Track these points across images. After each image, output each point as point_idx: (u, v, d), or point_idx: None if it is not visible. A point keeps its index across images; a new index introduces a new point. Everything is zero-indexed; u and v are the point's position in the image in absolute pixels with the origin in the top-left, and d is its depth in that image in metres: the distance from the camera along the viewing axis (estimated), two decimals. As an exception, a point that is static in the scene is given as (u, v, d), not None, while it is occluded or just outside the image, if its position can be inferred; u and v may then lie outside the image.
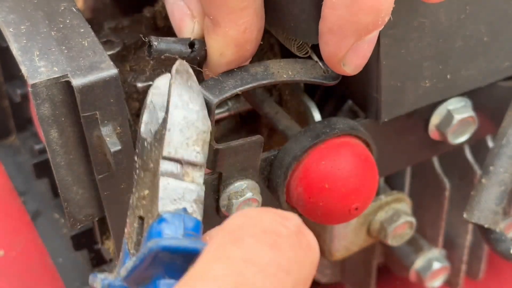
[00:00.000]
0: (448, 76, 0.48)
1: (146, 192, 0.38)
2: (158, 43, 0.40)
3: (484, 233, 0.49)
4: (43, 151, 0.63)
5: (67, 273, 0.57)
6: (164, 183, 0.37)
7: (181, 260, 0.34)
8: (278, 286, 0.31)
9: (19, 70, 0.40)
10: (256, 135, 0.44)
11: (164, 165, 0.37)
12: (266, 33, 0.48)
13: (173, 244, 0.34)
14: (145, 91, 0.48)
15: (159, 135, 0.38)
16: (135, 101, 0.48)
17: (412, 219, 0.56)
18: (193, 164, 0.38)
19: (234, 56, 0.42)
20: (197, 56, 0.42)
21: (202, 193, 0.38)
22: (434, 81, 0.48)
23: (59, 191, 0.43)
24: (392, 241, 0.56)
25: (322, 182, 0.44)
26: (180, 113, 0.37)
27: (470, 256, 0.64)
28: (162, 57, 0.40)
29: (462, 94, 0.50)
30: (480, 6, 0.46)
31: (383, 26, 0.40)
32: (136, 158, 0.39)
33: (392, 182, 0.59)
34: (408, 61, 0.46)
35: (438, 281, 0.61)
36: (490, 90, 0.51)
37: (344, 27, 0.40)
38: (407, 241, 0.58)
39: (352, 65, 0.42)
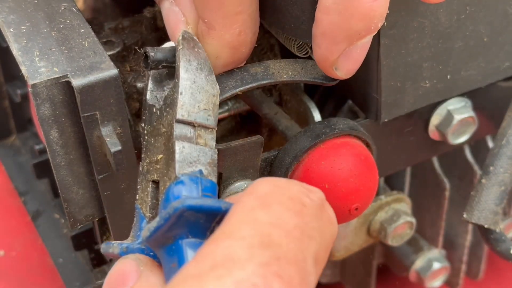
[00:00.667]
0: (448, 77, 0.48)
1: (160, 156, 0.39)
2: (155, 53, 0.41)
3: (484, 233, 0.49)
4: (43, 151, 0.63)
5: (67, 273, 0.57)
6: (179, 146, 0.37)
7: (204, 219, 0.34)
8: (301, 248, 0.33)
9: (20, 70, 0.40)
10: (256, 136, 0.44)
11: (178, 129, 0.38)
12: (266, 34, 0.48)
13: (199, 203, 0.34)
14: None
15: (170, 100, 0.39)
16: (135, 101, 0.48)
17: (412, 219, 0.56)
18: (205, 127, 0.39)
19: (229, 58, 0.43)
20: None
21: (216, 156, 0.39)
22: (434, 82, 0.48)
23: (59, 191, 0.43)
24: (392, 241, 0.56)
25: (322, 182, 0.44)
26: (190, 77, 0.38)
27: (470, 256, 0.64)
28: (160, 67, 0.41)
29: (462, 95, 0.50)
30: (480, 6, 0.46)
31: (376, 32, 0.40)
32: (143, 125, 0.40)
33: (392, 182, 0.59)
34: (408, 62, 0.46)
35: (438, 281, 0.61)
36: (490, 91, 0.51)
37: (336, 32, 0.40)
38: (407, 241, 0.58)
39: (344, 70, 0.42)
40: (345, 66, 0.42)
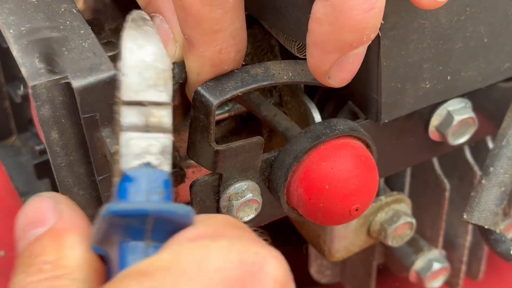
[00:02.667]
0: (448, 77, 0.48)
1: (117, 147, 0.36)
2: None
3: (484, 234, 0.49)
4: (43, 152, 0.63)
5: (67, 273, 0.57)
6: (125, 137, 0.35)
7: (136, 222, 0.34)
8: None
9: (20, 71, 0.40)
10: (257, 136, 0.44)
11: (126, 117, 0.36)
12: (267, 35, 0.48)
13: (123, 208, 0.33)
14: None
15: (119, 84, 0.37)
16: (136, 102, 0.48)
17: (412, 220, 0.56)
18: (157, 104, 0.36)
19: (210, 75, 0.43)
20: (178, 79, 0.43)
21: (170, 142, 0.36)
22: (434, 82, 0.48)
23: (59, 192, 0.43)
24: (392, 242, 0.56)
25: (323, 183, 0.44)
26: (136, 56, 0.37)
27: (470, 257, 0.64)
28: None
29: (462, 95, 0.50)
30: (480, 7, 0.46)
31: (369, 42, 0.40)
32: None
33: (392, 183, 0.59)
34: (408, 62, 0.46)
35: (438, 281, 0.61)
36: (490, 91, 0.51)
37: (327, 43, 0.40)
38: (407, 241, 0.58)
39: (337, 79, 0.42)
40: (338, 76, 0.42)
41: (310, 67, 0.42)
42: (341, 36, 0.39)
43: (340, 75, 0.42)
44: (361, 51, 0.41)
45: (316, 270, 0.64)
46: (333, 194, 0.44)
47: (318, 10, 0.39)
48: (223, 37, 0.41)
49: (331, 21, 0.39)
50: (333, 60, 0.41)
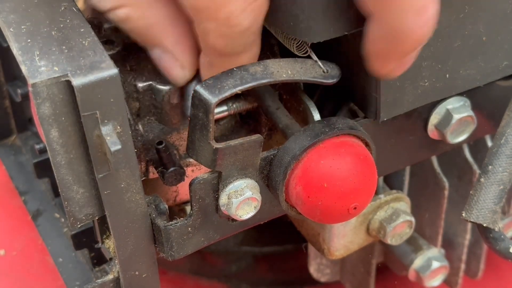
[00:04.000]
0: (447, 76, 0.48)
1: None
2: None
3: (483, 232, 0.49)
4: (43, 151, 0.64)
5: (67, 272, 0.58)
6: None
7: None
8: None
9: (20, 70, 0.40)
10: (256, 135, 0.44)
11: None
12: (266, 33, 0.48)
13: None
14: (145, 91, 0.48)
15: None
16: (135, 100, 0.48)
17: (411, 218, 0.56)
18: None
19: None
20: None
21: None
22: (433, 81, 0.48)
23: (59, 190, 0.43)
24: (391, 240, 0.56)
25: (321, 181, 0.44)
26: None
27: (469, 255, 0.64)
28: None
29: (461, 94, 0.50)
30: (479, 6, 0.46)
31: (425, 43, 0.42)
32: None
33: (391, 182, 0.59)
34: (407, 61, 0.46)
35: (437, 280, 0.61)
36: (488, 90, 0.51)
37: (387, 56, 0.42)
38: (406, 240, 0.58)
39: (397, 74, 0.44)
40: (397, 72, 0.44)
41: (371, 71, 0.44)
42: (401, 48, 0.41)
43: (399, 71, 0.44)
44: (418, 50, 0.43)
45: (316, 268, 0.64)
46: (331, 192, 0.44)
47: (373, 31, 0.41)
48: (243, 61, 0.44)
49: (388, 40, 0.41)
50: (394, 65, 0.43)
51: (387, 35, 0.40)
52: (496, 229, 0.48)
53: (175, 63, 0.45)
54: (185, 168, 0.49)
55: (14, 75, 0.65)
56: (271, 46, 0.50)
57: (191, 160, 0.50)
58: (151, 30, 0.43)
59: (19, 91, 0.64)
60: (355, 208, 0.45)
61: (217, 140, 0.44)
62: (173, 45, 0.44)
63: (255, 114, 0.51)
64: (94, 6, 0.43)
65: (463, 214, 0.49)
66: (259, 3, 0.40)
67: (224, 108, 0.48)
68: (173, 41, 0.44)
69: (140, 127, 0.48)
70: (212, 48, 0.42)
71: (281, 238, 0.72)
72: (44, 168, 0.63)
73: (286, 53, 0.47)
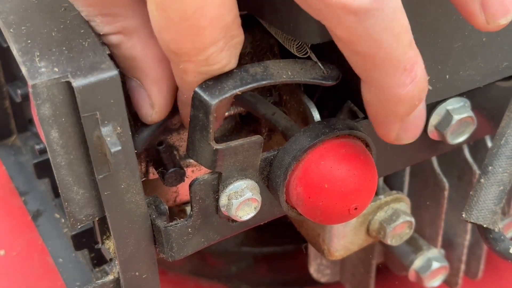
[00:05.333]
0: (447, 76, 0.48)
1: None
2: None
3: (483, 233, 0.49)
4: (44, 151, 0.64)
5: (67, 272, 0.58)
6: None
7: None
8: None
9: (20, 70, 0.40)
10: (256, 135, 0.44)
11: None
12: (266, 34, 0.48)
13: None
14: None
15: None
16: (135, 101, 0.48)
17: (411, 219, 0.56)
18: None
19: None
20: None
21: None
22: (433, 81, 0.48)
23: (59, 191, 0.43)
24: (391, 241, 0.56)
25: (322, 182, 0.44)
26: None
27: (469, 256, 0.64)
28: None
29: (461, 94, 0.50)
30: (479, 6, 0.46)
31: (423, 101, 0.42)
32: None
33: (391, 182, 0.59)
34: (407, 62, 0.46)
35: (437, 280, 0.61)
36: (488, 90, 0.51)
37: (385, 118, 0.42)
38: (406, 240, 0.58)
39: (408, 138, 0.44)
40: (407, 136, 0.44)
41: (380, 136, 0.44)
42: (394, 110, 0.41)
43: (408, 135, 0.44)
44: (420, 109, 0.43)
45: (316, 269, 0.64)
46: (332, 193, 0.44)
47: (365, 94, 0.42)
48: None
49: (381, 101, 0.41)
50: (398, 128, 0.43)
51: (379, 97, 0.41)
52: (496, 229, 0.48)
53: (147, 101, 0.45)
54: (185, 169, 0.49)
55: (14, 75, 0.65)
56: (271, 47, 0.50)
57: (191, 160, 0.50)
58: (136, 62, 0.43)
59: (19, 91, 0.64)
60: (355, 208, 0.45)
61: (217, 141, 0.44)
62: (151, 83, 0.44)
63: (255, 115, 0.51)
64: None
65: (463, 215, 0.49)
66: (237, 40, 0.41)
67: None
68: (152, 79, 0.44)
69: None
70: (190, 85, 0.42)
71: (281, 239, 0.72)
72: (44, 169, 0.63)
73: (286, 54, 0.47)
